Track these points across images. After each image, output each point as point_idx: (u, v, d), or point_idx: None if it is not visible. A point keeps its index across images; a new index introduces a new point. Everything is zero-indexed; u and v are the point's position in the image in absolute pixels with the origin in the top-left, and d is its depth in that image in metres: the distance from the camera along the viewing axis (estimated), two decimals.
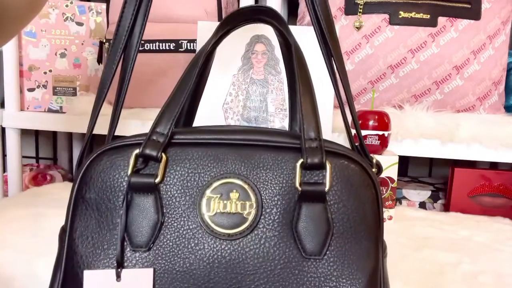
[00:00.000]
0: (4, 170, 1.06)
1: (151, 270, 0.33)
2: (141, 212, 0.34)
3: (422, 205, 0.91)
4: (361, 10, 0.83)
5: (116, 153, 0.35)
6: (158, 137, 0.34)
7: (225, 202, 0.34)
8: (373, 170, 0.38)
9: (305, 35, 0.83)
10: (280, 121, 0.82)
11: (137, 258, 0.33)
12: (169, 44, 0.88)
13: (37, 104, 1.02)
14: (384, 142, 0.73)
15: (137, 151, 0.34)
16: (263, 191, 0.34)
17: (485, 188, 0.84)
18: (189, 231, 0.33)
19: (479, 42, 0.82)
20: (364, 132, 0.73)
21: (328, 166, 0.33)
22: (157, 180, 0.34)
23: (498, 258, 0.59)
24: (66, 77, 1.02)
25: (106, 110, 0.91)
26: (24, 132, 1.06)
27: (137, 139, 0.35)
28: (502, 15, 0.83)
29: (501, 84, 0.86)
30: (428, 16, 0.81)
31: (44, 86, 1.01)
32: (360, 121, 0.74)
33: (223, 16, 0.96)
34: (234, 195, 0.34)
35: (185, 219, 0.34)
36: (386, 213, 0.74)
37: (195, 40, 0.88)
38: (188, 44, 0.88)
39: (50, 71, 1.02)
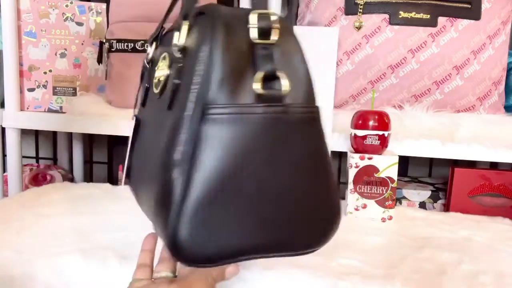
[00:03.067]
0: (4, 170, 1.06)
1: None
2: None
3: (422, 205, 0.91)
4: (361, 10, 0.83)
5: None
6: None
7: None
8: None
9: (305, 35, 0.83)
10: None
11: None
12: None
13: (37, 104, 1.02)
14: (384, 142, 0.73)
15: None
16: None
17: (485, 188, 0.84)
18: None
19: (479, 42, 0.82)
20: (364, 132, 0.73)
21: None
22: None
23: (498, 258, 0.59)
24: (66, 77, 1.02)
25: (106, 110, 0.91)
26: (24, 132, 1.06)
27: None
28: (502, 15, 0.83)
29: (501, 84, 0.86)
30: (428, 16, 0.81)
31: (44, 86, 1.01)
32: (360, 121, 0.74)
33: None
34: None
35: None
36: (386, 213, 0.74)
37: None
38: None
39: (50, 71, 1.02)
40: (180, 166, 0.34)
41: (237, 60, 0.35)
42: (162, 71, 0.42)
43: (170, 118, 0.37)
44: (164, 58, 0.43)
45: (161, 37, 0.47)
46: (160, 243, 0.42)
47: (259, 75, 0.35)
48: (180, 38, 0.37)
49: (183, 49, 0.38)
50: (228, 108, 0.34)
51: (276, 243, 0.37)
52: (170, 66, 0.41)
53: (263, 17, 0.35)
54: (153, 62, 0.47)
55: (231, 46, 0.35)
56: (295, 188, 0.37)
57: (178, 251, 0.34)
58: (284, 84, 0.35)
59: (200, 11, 0.38)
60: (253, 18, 0.35)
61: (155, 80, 0.43)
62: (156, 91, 0.43)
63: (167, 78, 0.41)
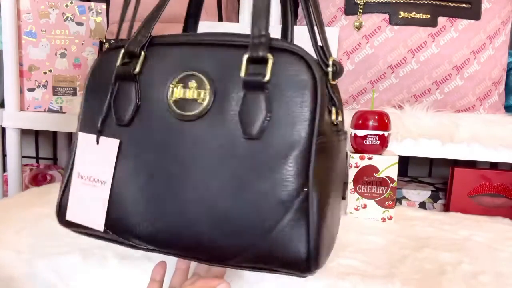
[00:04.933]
0: (4, 170, 1.06)
1: (117, 141, 0.42)
2: (125, 96, 0.43)
3: (422, 205, 0.91)
4: (361, 10, 0.83)
5: (113, 51, 0.45)
6: (141, 38, 0.44)
7: (185, 90, 0.41)
8: (329, 69, 0.41)
9: (305, 35, 0.83)
10: None
11: (121, 130, 0.43)
12: None
13: (37, 104, 1.02)
14: (384, 142, 0.73)
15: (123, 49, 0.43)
16: (218, 83, 0.40)
17: (485, 188, 0.84)
18: (158, 112, 0.42)
19: (479, 42, 0.82)
20: (364, 132, 0.73)
21: (270, 59, 0.38)
22: (135, 71, 0.42)
23: (498, 258, 0.59)
24: (66, 77, 1.03)
25: None
26: (24, 132, 1.06)
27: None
28: (502, 15, 0.84)
29: (501, 84, 0.86)
30: (428, 16, 0.81)
31: (44, 86, 1.02)
32: (360, 121, 0.74)
33: (223, 16, 0.96)
34: (192, 84, 0.41)
35: (156, 103, 0.42)
36: (386, 213, 0.74)
37: None
38: None
39: (50, 71, 1.02)
40: (308, 189, 0.38)
41: (325, 99, 0.39)
42: (194, 91, 0.41)
43: (267, 148, 0.38)
44: (190, 78, 0.41)
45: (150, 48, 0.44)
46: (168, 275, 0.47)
47: (334, 109, 0.41)
48: (266, 72, 0.38)
49: (271, 83, 0.39)
50: (329, 137, 0.40)
51: None
52: (212, 90, 0.40)
53: (335, 62, 0.41)
54: (140, 74, 0.43)
55: (322, 86, 0.39)
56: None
57: (316, 264, 0.38)
58: (341, 115, 0.43)
59: (271, 46, 0.39)
60: (330, 63, 0.41)
61: (176, 98, 0.41)
62: (188, 112, 0.40)
63: (213, 102, 0.40)
